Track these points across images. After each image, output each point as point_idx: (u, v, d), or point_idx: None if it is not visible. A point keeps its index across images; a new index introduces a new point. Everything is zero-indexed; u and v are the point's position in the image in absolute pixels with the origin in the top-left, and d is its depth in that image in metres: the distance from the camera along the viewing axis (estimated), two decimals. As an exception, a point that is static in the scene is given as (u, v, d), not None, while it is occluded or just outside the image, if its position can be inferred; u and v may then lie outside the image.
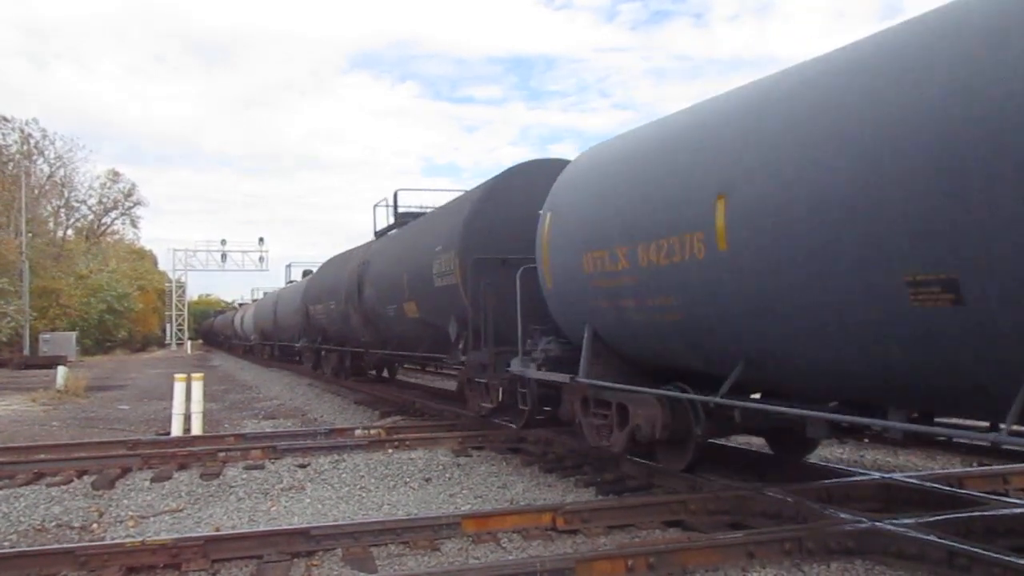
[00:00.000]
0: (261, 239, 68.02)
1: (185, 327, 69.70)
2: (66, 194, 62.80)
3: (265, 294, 41.78)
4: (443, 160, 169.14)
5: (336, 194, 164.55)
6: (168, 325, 69.20)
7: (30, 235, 43.09)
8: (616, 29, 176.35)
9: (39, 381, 22.28)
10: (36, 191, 54.09)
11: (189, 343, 66.39)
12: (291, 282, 32.88)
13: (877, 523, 5.07)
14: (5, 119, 53.08)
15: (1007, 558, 4.31)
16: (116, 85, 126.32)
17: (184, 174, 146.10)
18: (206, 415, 12.58)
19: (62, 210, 62.96)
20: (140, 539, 5.30)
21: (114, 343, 53.73)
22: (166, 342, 68.30)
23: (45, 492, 7.44)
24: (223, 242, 67.35)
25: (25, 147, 54.41)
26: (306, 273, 28.64)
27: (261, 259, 67.28)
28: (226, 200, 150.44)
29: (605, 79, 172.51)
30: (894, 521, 5.09)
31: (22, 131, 54.05)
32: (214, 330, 54.84)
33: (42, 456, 8.85)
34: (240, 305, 55.82)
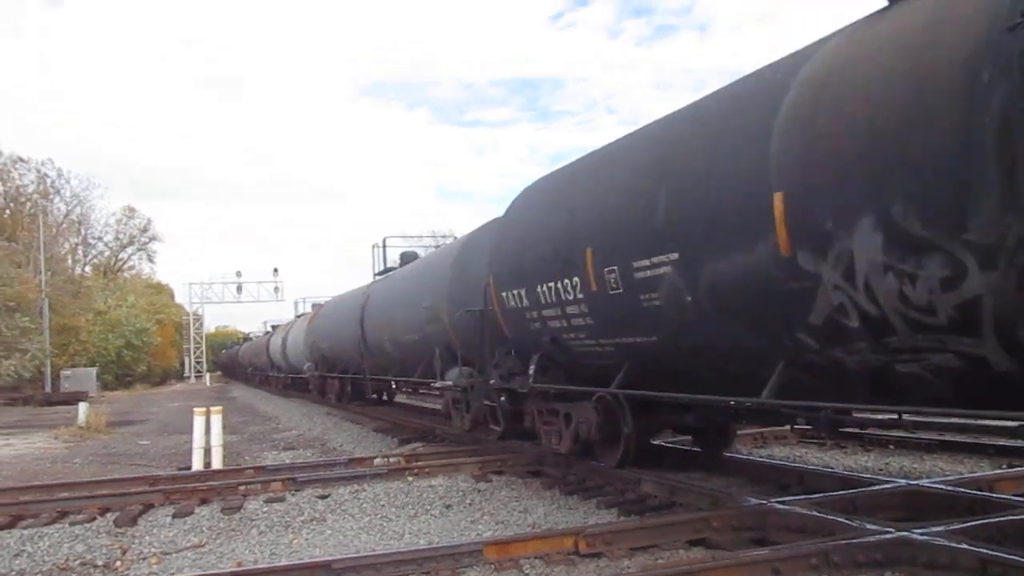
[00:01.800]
0: (276, 270, 68.47)
1: (204, 359, 70.07)
2: (83, 231, 63.69)
3: (273, 327, 42.37)
4: (455, 185, 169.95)
5: (349, 223, 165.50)
6: (186, 358, 69.60)
7: (49, 273, 43.60)
8: (622, 45, 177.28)
9: (61, 418, 22.41)
10: (54, 229, 54.83)
11: (208, 375, 66.70)
12: (300, 315, 34.58)
13: (905, 533, 4.98)
14: (22, 160, 54.10)
15: (1041, 568, 4.24)
16: (130, 121, 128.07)
17: (198, 206, 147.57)
18: (226, 448, 12.61)
19: (79, 247, 63.82)
20: (162, 578, 5.28)
21: (134, 377, 54.07)
22: (185, 375, 68.67)
23: (68, 530, 7.45)
24: (238, 274, 67.85)
25: (42, 187, 55.28)
26: (313, 307, 30.09)
27: (276, 289, 67.65)
28: (241, 233, 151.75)
29: (612, 96, 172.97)
30: (923, 530, 5.00)
31: (38, 171, 54.97)
32: (237, 360, 55.51)
33: (65, 494, 8.87)
34: (255, 337, 56.14)
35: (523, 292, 8.50)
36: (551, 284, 7.82)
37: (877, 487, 6.59)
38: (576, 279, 7.35)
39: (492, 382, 9.66)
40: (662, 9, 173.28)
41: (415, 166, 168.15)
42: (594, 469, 8.39)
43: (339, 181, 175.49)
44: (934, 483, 6.60)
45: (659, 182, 6.22)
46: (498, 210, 14.42)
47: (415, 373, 14.47)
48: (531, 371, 8.70)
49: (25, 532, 7.41)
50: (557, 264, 7.61)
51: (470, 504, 7.93)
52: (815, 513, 5.65)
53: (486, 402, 10.48)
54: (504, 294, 9.06)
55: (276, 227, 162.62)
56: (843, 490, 6.52)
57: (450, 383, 11.77)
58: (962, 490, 6.18)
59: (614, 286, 6.75)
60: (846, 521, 5.43)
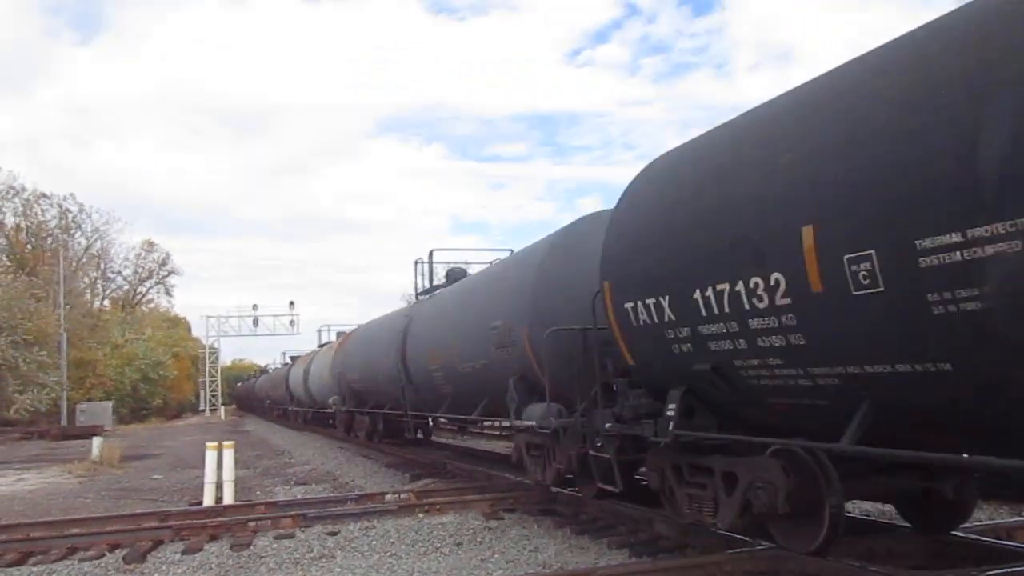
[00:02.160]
0: (292, 303, 68.79)
1: (219, 392, 70.25)
2: (102, 265, 64.50)
3: (293, 358, 41.77)
4: (471, 218, 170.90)
5: (366, 256, 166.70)
6: (201, 391, 69.78)
7: (68, 307, 44.06)
8: (640, 82, 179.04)
9: (75, 452, 22.47)
10: (74, 264, 55.55)
11: (223, 408, 66.81)
12: (323, 345, 31.98)
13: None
14: (45, 195, 55.01)
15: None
16: (151, 158, 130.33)
17: (216, 242, 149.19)
18: (238, 482, 12.59)
19: (98, 281, 64.57)
20: (169, 616, 5.26)
21: (149, 411, 54.22)
22: (200, 408, 68.80)
23: (78, 567, 7.44)
24: (255, 307, 68.22)
25: (63, 222, 56.13)
26: (338, 335, 28.04)
27: (292, 322, 67.89)
28: (257, 265, 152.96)
29: (629, 132, 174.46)
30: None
31: (60, 206, 55.85)
32: (254, 394, 54.31)
33: (75, 530, 8.87)
34: (272, 369, 56.04)
35: (664, 302, 6.00)
36: (721, 287, 5.32)
37: (894, 533, 6.47)
38: (776, 277, 4.85)
39: (608, 425, 7.24)
40: (679, 48, 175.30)
41: (431, 200, 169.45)
42: (607, 508, 8.29)
43: (354, 216, 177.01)
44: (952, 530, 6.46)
45: (982, 99, 3.73)
46: (515, 242, 12.81)
47: (475, 410, 11.61)
48: (669, 412, 6.20)
49: (34, 569, 7.42)
50: (737, 257, 5.18)
51: (480, 542, 7.86)
52: (831, 560, 5.55)
53: (584, 450, 7.92)
54: (627, 306, 6.57)
55: (292, 262, 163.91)
56: (856, 534, 6.41)
57: (532, 423, 8.88)
58: (981, 538, 6.06)
59: (864, 282, 4.26)
60: (863, 568, 5.33)
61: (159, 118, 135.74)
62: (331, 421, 26.41)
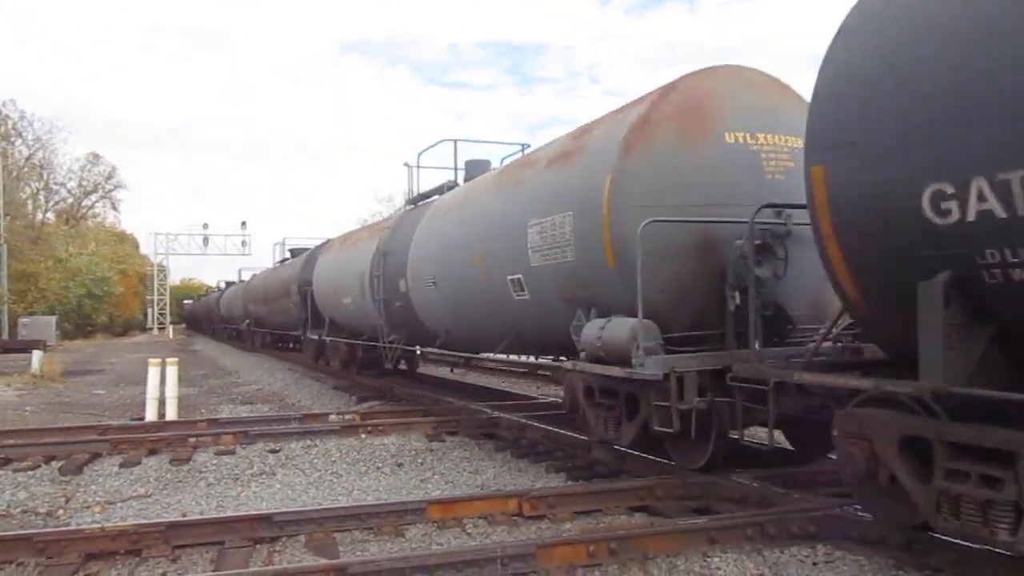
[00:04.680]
0: (244, 223, 67.46)
1: (167, 311, 69.17)
2: (45, 176, 61.99)
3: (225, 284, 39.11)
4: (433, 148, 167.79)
5: (322, 181, 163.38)
6: (149, 309, 68.64)
7: (8, 217, 42.54)
8: (610, 13, 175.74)
9: (16, 366, 22.00)
10: (14, 173, 53.37)
11: (171, 328, 65.90)
12: (282, 261, 26.71)
13: (839, 508, 5.10)
14: (-19, 99, 52.32)
15: (966, 543, 4.34)
16: (97, 69, 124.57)
17: (167, 159, 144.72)
18: (183, 400, 12.52)
19: (41, 193, 62.18)
20: (99, 525, 5.25)
21: (94, 327, 53.21)
22: (148, 326, 67.78)
23: (11, 477, 7.35)
24: (205, 226, 66.73)
25: (2, 128, 53.69)
26: (295, 252, 23.58)
27: (244, 243, 66.63)
28: (211, 186, 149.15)
29: (595, 65, 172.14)
30: (857, 506, 5.12)
31: (-1, 112, 53.32)
32: (217, 312, 50.03)
33: (10, 441, 8.75)
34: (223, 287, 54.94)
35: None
36: None
37: (818, 464, 6.71)
38: None
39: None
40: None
41: (394, 127, 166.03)
42: (547, 434, 8.44)
43: (312, 140, 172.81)
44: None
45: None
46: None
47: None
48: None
49: (-34, 477, 7.31)
50: None
51: (421, 463, 7.97)
52: (756, 485, 5.76)
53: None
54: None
55: (246, 184, 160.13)
56: (786, 465, 6.63)
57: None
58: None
59: None
60: (784, 494, 5.54)
61: (107, 27, 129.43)
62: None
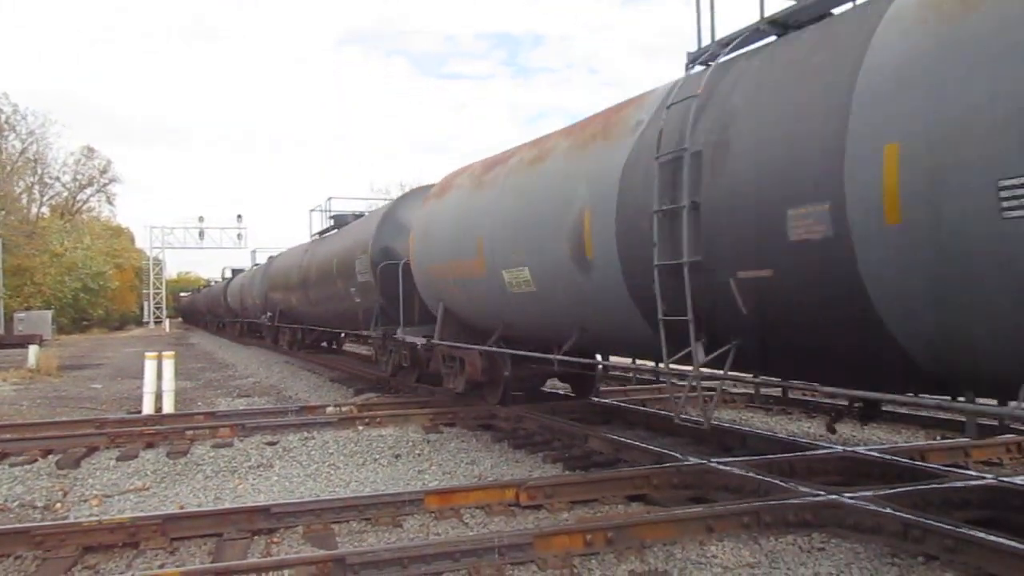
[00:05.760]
0: (239, 216, 67.44)
1: (163, 305, 69.06)
2: (39, 171, 61.66)
3: (232, 272, 40.90)
4: (431, 140, 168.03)
5: (319, 172, 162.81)
6: (145, 303, 68.52)
7: (2, 212, 42.38)
8: (607, 2, 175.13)
9: (12, 360, 21.99)
10: (8, 167, 53.13)
11: (168, 321, 65.80)
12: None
13: (836, 496, 5.12)
14: (-26, 93, 52.00)
15: (959, 530, 4.38)
16: (92, 63, 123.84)
17: (162, 151, 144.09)
18: (180, 394, 12.51)
19: (36, 187, 61.89)
20: (97, 518, 5.25)
21: (91, 322, 53.13)
22: (144, 320, 67.68)
23: (8, 472, 7.35)
24: (200, 219, 66.53)
25: (-4, 122, 53.40)
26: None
27: (239, 236, 66.51)
28: (207, 179, 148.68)
29: (593, 56, 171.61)
30: (853, 494, 5.15)
31: (-8, 106, 53.01)
32: (220, 304, 48.06)
33: (7, 436, 8.74)
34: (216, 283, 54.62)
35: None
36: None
37: (815, 452, 6.75)
38: None
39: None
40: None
41: (391, 118, 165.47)
42: (545, 424, 8.47)
43: (309, 130, 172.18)
44: (870, 450, 6.76)
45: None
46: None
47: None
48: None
49: (-37, 471, 7.30)
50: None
51: (419, 455, 7.98)
52: (752, 474, 5.79)
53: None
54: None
55: (244, 178, 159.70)
56: (782, 453, 6.67)
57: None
58: (895, 458, 6.36)
59: None
60: (781, 483, 5.57)
61: (106, 20, 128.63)
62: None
